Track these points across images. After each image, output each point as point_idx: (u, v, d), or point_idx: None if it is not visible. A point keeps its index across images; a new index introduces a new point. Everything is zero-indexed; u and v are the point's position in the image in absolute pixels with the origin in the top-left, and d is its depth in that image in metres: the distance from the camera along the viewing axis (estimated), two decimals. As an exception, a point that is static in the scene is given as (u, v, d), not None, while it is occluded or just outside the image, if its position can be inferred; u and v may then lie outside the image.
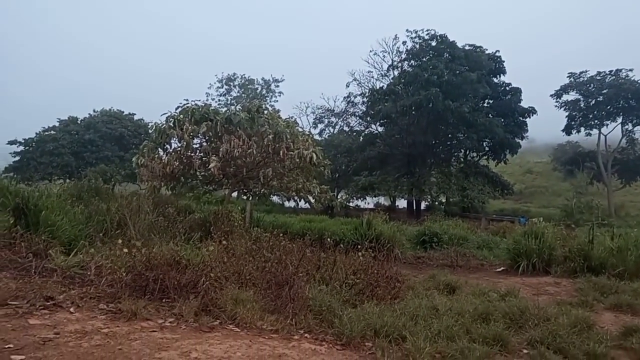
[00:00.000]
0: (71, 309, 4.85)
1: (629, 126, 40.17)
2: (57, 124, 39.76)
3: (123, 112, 42.15)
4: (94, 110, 41.99)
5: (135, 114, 42.51)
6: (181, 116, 14.94)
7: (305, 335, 4.97)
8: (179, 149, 15.35)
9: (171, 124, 14.76)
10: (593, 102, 40.03)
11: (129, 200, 11.33)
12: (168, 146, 15.79)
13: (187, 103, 15.46)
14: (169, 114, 15.21)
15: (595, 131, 41.02)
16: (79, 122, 40.29)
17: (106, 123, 39.53)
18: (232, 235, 9.44)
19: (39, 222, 7.46)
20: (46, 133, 38.78)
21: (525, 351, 4.96)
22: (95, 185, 15.20)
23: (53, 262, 6.03)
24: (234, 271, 6.32)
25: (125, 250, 6.26)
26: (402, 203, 39.35)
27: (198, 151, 16.09)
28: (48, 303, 4.90)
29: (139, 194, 13.74)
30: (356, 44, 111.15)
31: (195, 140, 15.87)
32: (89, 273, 5.89)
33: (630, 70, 38.93)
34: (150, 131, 16.91)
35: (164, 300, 5.38)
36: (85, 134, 38.26)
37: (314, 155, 14.82)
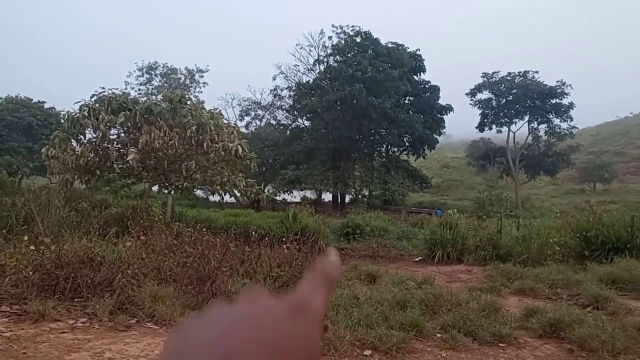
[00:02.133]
0: (-32, 313, 4.46)
1: (535, 124, 43.49)
2: (-48, 111, 35.96)
3: (32, 99, 38.94)
4: (-2, 97, 38.46)
5: (45, 102, 39.47)
6: (97, 105, 14.10)
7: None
8: (94, 140, 14.50)
9: (85, 113, 13.87)
10: (504, 101, 42.86)
11: (38, 195, 10.55)
12: (82, 137, 14.84)
13: (104, 91, 14.63)
14: (83, 102, 14.30)
15: (505, 128, 43.99)
16: (-21, 109, 36.71)
17: (12, 111, 36.27)
18: (151, 230, 9.09)
19: None
20: (-61, 120, 34.96)
21: (438, 335, 5.24)
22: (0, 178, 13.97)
23: (-54, 263, 5.49)
24: (153, 267, 6.10)
25: (32, 247, 5.83)
26: (327, 196, 39.93)
27: (115, 142, 15.28)
28: (-60, 307, 4.46)
29: (49, 188, 12.81)
30: (284, 36, 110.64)
31: (112, 131, 15.07)
32: (-11, 273, 5.42)
33: (536, 72, 42.16)
34: (62, 121, 15.79)
35: (75, 300, 5.09)
36: (-13, 123, 34.95)
37: (240, 148, 14.63)
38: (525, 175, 45.15)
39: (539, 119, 42.76)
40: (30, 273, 5.30)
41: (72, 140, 14.80)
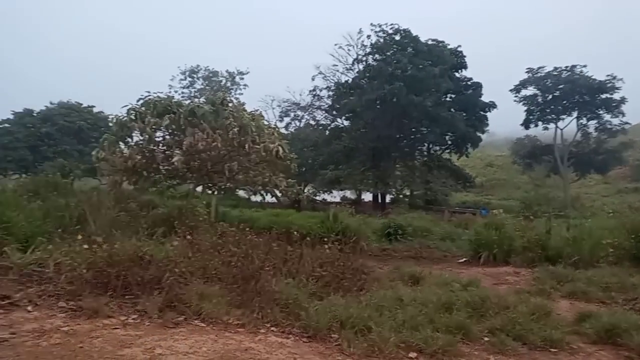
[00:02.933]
0: (29, 308, 4.68)
1: (584, 120, 41.72)
2: (11, 117, 38.10)
3: (82, 104, 40.76)
4: (51, 103, 40.45)
5: (94, 106, 41.23)
6: (143, 108, 14.61)
7: (272, 328, 4.97)
8: (141, 142, 15.01)
9: (132, 117, 14.41)
10: (550, 97, 41.35)
11: (89, 196, 11.01)
12: (129, 139, 15.42)
13: (149, 95, 15.12)
14: (130, 106, 14.82)
15: (552, 125, 42.42)
16: (34, 114, 38.72)
17: (64, 116, 38.14)
18: (197, 230, 9.30)
19: (-8, 218, 7.14)
20: (0, 126, 37.13)
21: (486, 339, 5.11)
22: (53, 180, 14.68)
23: (8, 260, 5.78)
24: (199, 266, 6.23)
25: (86, 246, 6.08)
26: (367, 196, 39.71)
27: (161, 144, 15.77)
28: (3, 302, 4.71)
29: (99, 189, 13.37)
30: (322, 37, 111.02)
31: (157, 134, 15.55)
32: (47, 270, 5.68)
33: (584, 66, 40.44)
34: (110, 124, 16.45)
35: (126, 297, 5.26)
36: (42, 127, 36.82)
37: (280, 149, 14.78)
38: (575, 173, 43.43)
39: (589, 115, 41.01)
40: (84, 271, 5.52)
41: (121, 143, 15.40)
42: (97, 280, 5.40)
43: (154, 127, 14.42)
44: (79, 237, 6.58)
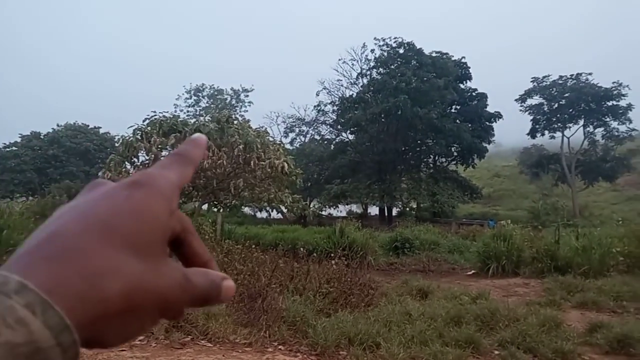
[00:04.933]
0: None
1: (590, 128, 41.56)
2: (18, 140, 38.59)
3: (88, 125, 41.23)
4: (58, 125, 40.98)
5: (100, 127, 41.71)
6: (149, 128, 14.73)
7: (280, 347, 4.93)
8: (147, 162, 15.09)
9: (138, 137, 14.53)
10: (556, 105, 41.31)
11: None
12: (136, 159, 15.51)
13: (155, 115, 15.27)
14: (136, 126, 14.97)
15: (558, 134, 42.31)
16: (42, 137, 39.20)
17: (70, 137, 38.60)
18: (203, 248, 9.29)
19: (0, 241, 7.19)
20: (7, 149, 37.60)
21: (496, 352, 5.04)
22: (59, 202, 14.76)
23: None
24: (205, 285, 6.21)
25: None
26: (374, 210, 39.60)
27: (167, 164, 15.84)
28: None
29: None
30: (326, 54, 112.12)
31: (163, 153, 15.63)
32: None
33: (590, 74, 40.42)
34: (116, 144, 16.59)
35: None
36: (49, 149, 37.27)
37: (285, 165, 14.82)
38: (583, 182, 43.11)
39: (595, 123, 40.85)
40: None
41: (127, 163, 15.49)
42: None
43: (159, 146, 14.52)
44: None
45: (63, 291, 0.29)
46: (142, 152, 14.92)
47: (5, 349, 0.26)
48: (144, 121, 15.17)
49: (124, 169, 15.03)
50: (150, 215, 0.35)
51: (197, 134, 0.47)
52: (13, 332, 0.26)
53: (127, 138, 14.85)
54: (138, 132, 14.69)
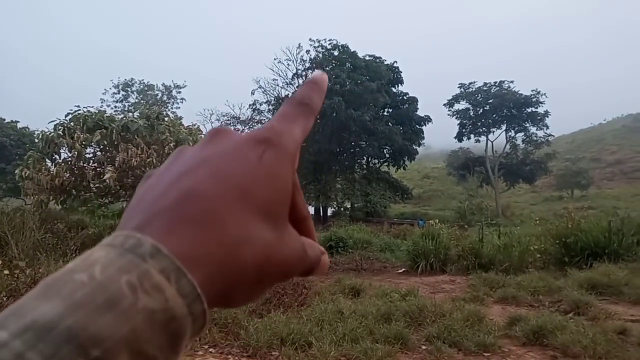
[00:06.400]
0: None
1: (512, 133, 44.36)
2: None
3: (4, 119, 38.16)
4: (-32, 118, 37.58)
5: (18, 122, 38.72)
6: (72, 124, 13.87)
7: (210, 349, 4.82)
8: (70, 159, 14.22)
9: (60, 132, 13.64)
10: (481, 110, 43.72)
11: (11, 217, 10.26)
12: (57, 156, 14.54)
13: (79, 109, 14.40)
14: (58, 121, 14.05)
15: (483, 138, 44.84)
16: (-51, 130, 35.83)
17: (-17, 132, 35.55)
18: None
19: None
20: None
21: (424, 347, 5.21)
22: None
23: None
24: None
25: (7, 272, 5.64)
26: (310, 209, 39.79)
27: (91, 161, 15.00)
28: None
29: (23, 210, 12.51)
30: (262, 50, 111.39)
31: (88, 150, 14.80)
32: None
33: (512, 82, 43.20)
34: (36, 140, 15.45)
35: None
36: (-42, 144, 34.12)
37: (219, 164, 14.50)
38: (505, 183, 45.83)
39: (516, 128, 43.66)
40: (4, 299, 5.11)
41: (47, 160, 14.49)
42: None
43: (83, 143, 13.73)
44: (-2, 262, 6.10)
45: (202, 259, 0.28)
46: (64, 148, 14.02)
47: (144, 314, 0.25)
48: (66, 116, 14.26)
49: (44, 167, 14.05)
50: (282, 183, 0.34)
51: (319, 72, 0.42)
52: (150, 298, 0.25)
53: (48, 134, 13.90)
54: (60, 127, 13.79)
